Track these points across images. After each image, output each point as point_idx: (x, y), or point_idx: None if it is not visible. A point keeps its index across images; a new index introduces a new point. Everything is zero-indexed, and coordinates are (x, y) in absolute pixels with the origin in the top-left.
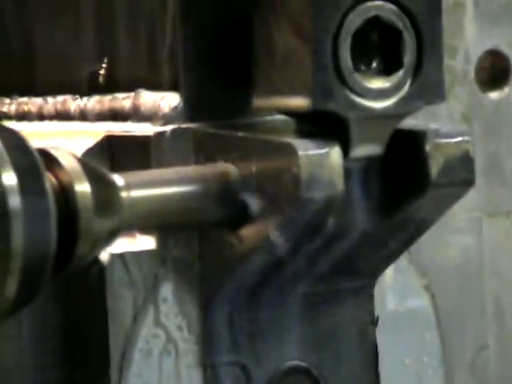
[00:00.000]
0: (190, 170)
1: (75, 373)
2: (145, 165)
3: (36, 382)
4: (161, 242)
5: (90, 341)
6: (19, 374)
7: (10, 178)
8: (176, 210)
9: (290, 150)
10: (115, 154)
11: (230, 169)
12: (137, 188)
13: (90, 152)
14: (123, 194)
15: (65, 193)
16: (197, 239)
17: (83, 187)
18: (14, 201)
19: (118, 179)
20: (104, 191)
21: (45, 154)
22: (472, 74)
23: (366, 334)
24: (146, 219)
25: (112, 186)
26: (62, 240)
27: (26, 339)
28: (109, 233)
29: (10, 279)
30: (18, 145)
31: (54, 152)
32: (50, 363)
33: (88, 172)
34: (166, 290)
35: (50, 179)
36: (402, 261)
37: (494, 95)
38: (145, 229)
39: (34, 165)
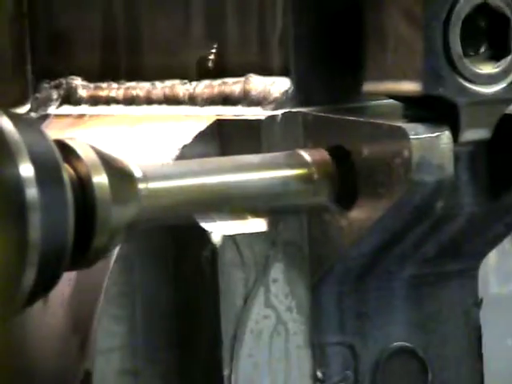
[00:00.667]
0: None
1: (187, 353)
2: (255, 148)
3: (148, 361)
4: (271, 225)
5: (202, 321)
6: (132, 353)
7: (28, 170)
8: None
9: (402, 134)
10: (225, 137)
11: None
12: (155, 180)
13: (200, 136)
14: (141, 186)
15: (82, 184)
16: (306, 222)
17: (101, 178)
18: (32, 192)
19: (136, 170)
20: (122, 183)
21: (62, 145)
22: None
23: (470, 316)
24: (164, 211)
25: (130, 177)
26: (79, 231)
27: (139, 320)
28: (126, 224)
29: (28, 270)
30: (35, 136)
31: (71, 143)
32: (162, 344)
33: (106, 163)
34: (277, 272)
35: (67, 170)
36: (506, 244)
37: None
38: (163, 221)
39: (51, 156)
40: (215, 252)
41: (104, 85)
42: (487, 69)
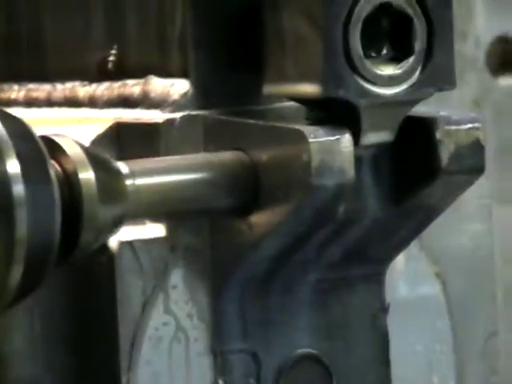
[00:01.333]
0: (199, 157)
1: (86, 361)
2: (154, 152)
3: (47, 369)
4: (170, 230)
5: (100, 328)
6: (32, 360)
7: (14, 166)
8: (183, 197)
9: (301, 137)
10: (124, 141)
11: (240, 156)
12: (142, 176)
13: (99, 139)
14: (128, 182)
15: (69, 181)
16: (207, 227)
17: (87, 175)
18: (18, 189)
19: (123, 167)
20: (108, 179)
21: (48, 141)
22: (482, 60)
23: (377, 322)
24: (151, 207)
25: (117, 173)
26: (66, 228)
27: (37, 327)
28: (114, 221)
29: (14, 268)
30: (21, 132)
31: (57, 139)
32: (61, 352)
33: (92, 160)
34: (176, 278)
35: (53, 167)
36: (413, 248)
37: (504, 81)
38: (150, 217)
39: (37, 152)
40: (112, 258)
41: (6, 86)
42: (389, 70)
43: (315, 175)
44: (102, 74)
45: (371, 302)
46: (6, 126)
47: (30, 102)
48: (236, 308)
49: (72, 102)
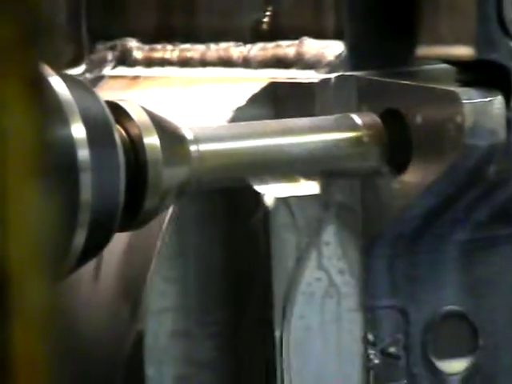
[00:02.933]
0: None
1: (239, 314)
2: (309, 111)
3: (200, 323)
4: (324, 187)
5: (254, 283)
6: (184, 314)
7: (79, 131)
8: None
9: (455, 98)
10: (279, 100)
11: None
12: (206, 142)
13: (255, 98)
14: (192, 148)
15: (134, 145)
16: (359, 185)
17: (152, 140)
18: (83, 153)
19: (188, 132)
20: (173, 144)
21: (114, 106)
22: None
23: None
24: (215, 173)
25: (181, 139)
26: (130, 193)
27: (191, 281)
28: (178, 186)
29: (79, 231)
30: (87, 97)
31: (123, 104)
32: (214, 305)
33: (157, 125)
34: (329, 234)
35: (119, 131)
36: None
37: None
38: (214, 183)
39: (103, 117)
40: (267, 214)
41: (159, 47)
42: None
43: (468, 136)
44: (256, 35)
45: None
46: (71, 90)
47: (183, 62)
48: (385, 265)
49: (226, 62)
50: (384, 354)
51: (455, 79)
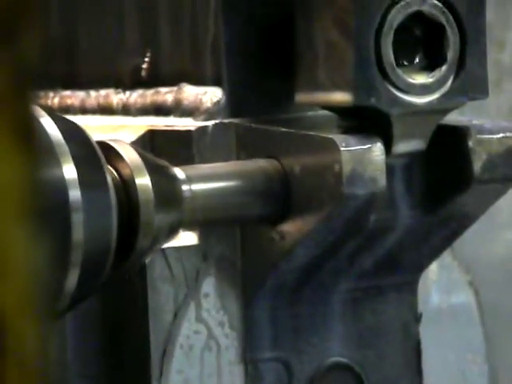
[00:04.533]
0: (233, 164)
1: (117, 368)
2: (187, 159)
3: (79, 376)
4: (202, 238)
5: (132, 336)
6: (63, 368)
7: (71, 171)
8: (236, 204)
9: (333, 146)
10: (157, 148)
11: (273, 164)
12: (198, 181)
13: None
14: (184, 188)
15: (125, 186)
16: (239, 235)
17: (144, 180)
18: (75, 194)
19: (179, 172)
20: (165, 184)
21: (105, 146)
22: None
23: (409, 331)
24: (208, 213)
25: (173, 179)
26: (122, 233)
27: (69, 335)
28: (170, 226)
29: (71, 273)
30: (78, 137)
31: (114, 144)
32: (93, 359)
33: (149, 165)
34: (208, 286)
35: (110, 172)
36: (446, 257)
37: None
38: (207, 223)
39: (94, 157)
40: (144, 266)
41: (40, 93)
42: (421, 79)
43: (346, 184)
44: (135, 81)
45: (403, 311)
46: (62, 130)
47: (64, 109)
48: (267, 316)
49: (106, 110)
50: None
51: (336, 126)
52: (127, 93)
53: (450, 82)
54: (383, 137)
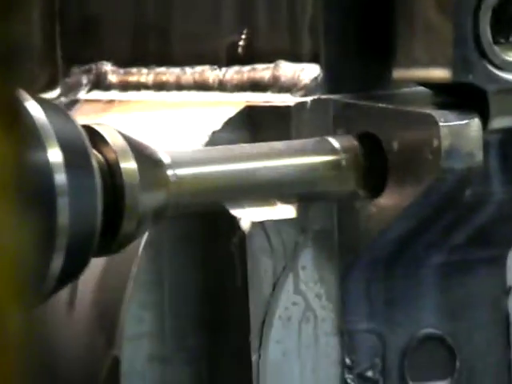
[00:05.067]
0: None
1: (215, 339)
2: (284, 135)
3: (176, 348)
4: (301, 211)
5: (231, 308)
6: (160, 339)
7: (56, 155)
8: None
9: (431, 121)
10: (255, 124)
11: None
12: (183, 166)
13: (230, 122)
14: (169, 172)
15: (111, 170)
16: (336, 209)
17: (129, 164)
18: (60, 178)
19: (165, 157)
20: (150, 168)
21: (91, 130)
22: None
23: (499, 304)
24: (193, 197)
25: (158, 163)
26: (107, 217)
27: (167, 306)
28: (155, 210)
29: (56, 256)
30: (63, 121)
31: (99, 129)
32: (191, 330)
33: (134, 149)
34: (306, 259)
35: (96, 156)
36: None
37: None
38: (192, 207)
39: (80, 142)
40: (244, 238)
41: (134, 70)
42: None
43: (445, 159)
44: (231, 58)
45: (493, 284)
46: (48, 114)
47: (159, 86)
48: (362, 289)
49: (201, 86)
50: (361, 378)
51: (432, 102)
52: (223, 69)
53: None
54: (479, 113)
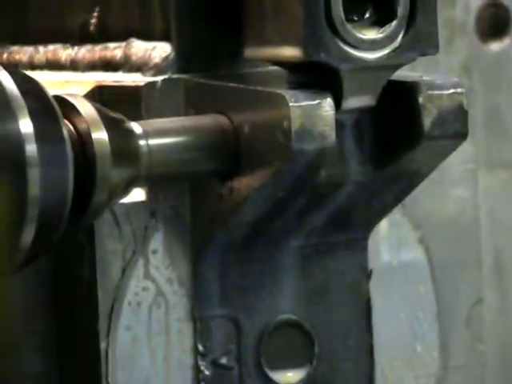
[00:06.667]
0: (188, 120)
1: (64, 325)
2: (135, 115)
3: (27, 333)
4: (151, 194)
5: (79, 293)
6: (8, 325)
7: (27, 125)
8: (191, 159)
9: (282, 101)
10: (106, 103)
11: (221, 120)
12: (155, 136)
13: None
14: (141, 142)
15: (82, 140)
16: (187, 191)
17: (101, 135)
18: (31, 148)
19: (136, 127)
20: (122, 139)
21: (62, 100)
22: (472, 26)
23: (360, 287)
24: (164, 167)
25: (130, 133)
26: (78, 188)
27: (16, 291)
28: (127, 181)
29: (27, 228)
30: (34, 91)
31: (71, 99)
32: (40, 316)
33: (105, 119)
34: (157, 243)
35: (67, 126)
36: (396, 213)
37: (494, 46)
38: (163, 178)
39: (50, 112)
40: (92, 223)
41: None
42: (371, 34)
43: (295, 140)
44: (83, 36)
45: (354, 268)
46: (18, 84)
47: (12, 65)
48: (216, 273)
49: (54, 65)
50: (215, 364)
51: (286, 82)
52: (75, 48)
53: (399, 38)
54: (333, 92)
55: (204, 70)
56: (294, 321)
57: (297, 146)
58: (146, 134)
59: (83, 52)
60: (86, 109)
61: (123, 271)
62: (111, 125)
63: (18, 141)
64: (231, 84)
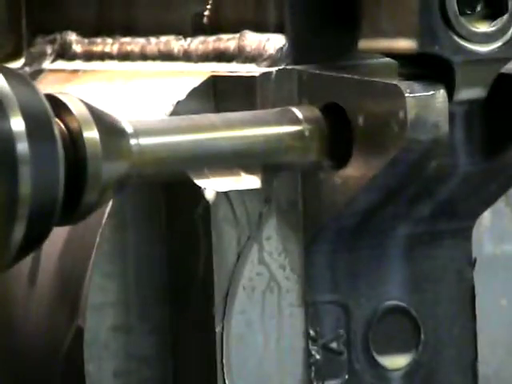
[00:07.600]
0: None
1: (179, 310)
2: (250, 105)
3: (140, 318)
4: (265, 182)
5: (195, 278)
6: (124, 309)
7: (18, 124)
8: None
9: (397, 92)
10: (220, 94)
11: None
12: (146, 135)
13: (195, 92)
14: (132, 142)
15: (73, 139)
16: (300, 179)
17: (92, 134)
18: (22, 147)
19: (128, 126)
20: (113, 138)
21: (53, 99)
22: None
23: (464, 276)
24: (155, 167)
25: (121, 132)
26: (69, 186)
27: (131, 276)
28: (118, 180)
29: (17, 225)
30: (26, 90)
31: (62, 98)
32: (154, 300)
33: (97, 118)
34: (270, 229)
35: (58, 125)
36: (500, 204)
37: None
38: (154, 177)
39: (42, 110)
40: (208, 208)
41: (98, 40)
42: (483, 27)
43: (411, 129)
44: (196, 28)
45: (458, 256)
46: (10, 83)
47: (123, 56)
48: (327, 260)
49: (166, 56)
50: (325, 349)
51: (398, 73)
52: (188, 39)
53: (511, 31)
54: (445, 84)
55: (317, 61)
56: (402, 307)
57: (412, 135)
58: (138, 133)
59: (196, 43)
60: (78, 108)
61: (238, 256)
62: (102, 124)
63: (10, 139)
64: (345, 75)
